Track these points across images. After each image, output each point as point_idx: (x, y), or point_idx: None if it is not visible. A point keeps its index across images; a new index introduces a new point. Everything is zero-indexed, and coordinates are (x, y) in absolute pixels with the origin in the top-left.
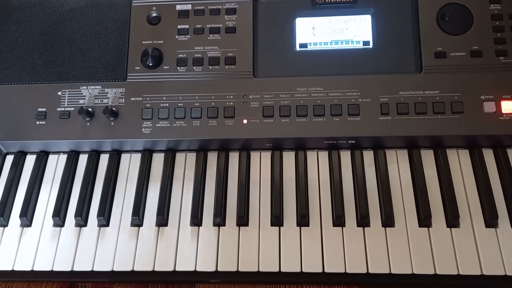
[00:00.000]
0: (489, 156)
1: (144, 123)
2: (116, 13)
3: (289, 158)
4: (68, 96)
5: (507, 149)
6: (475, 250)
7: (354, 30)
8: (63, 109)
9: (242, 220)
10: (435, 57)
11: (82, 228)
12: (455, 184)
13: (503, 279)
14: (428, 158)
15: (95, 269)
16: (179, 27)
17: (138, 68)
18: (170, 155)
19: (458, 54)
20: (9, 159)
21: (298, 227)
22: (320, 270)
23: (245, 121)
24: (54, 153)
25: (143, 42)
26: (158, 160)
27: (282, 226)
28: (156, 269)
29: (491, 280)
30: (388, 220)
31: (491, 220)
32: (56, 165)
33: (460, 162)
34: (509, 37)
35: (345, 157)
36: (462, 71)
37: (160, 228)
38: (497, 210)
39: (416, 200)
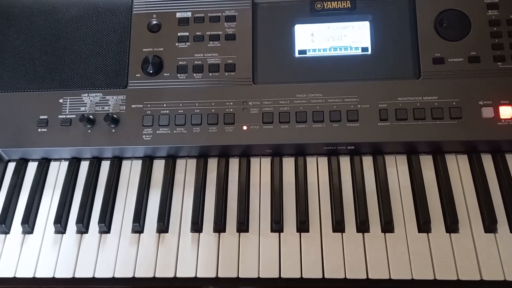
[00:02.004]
0: (488, 161)
1: (145, 130)
2: (117, 21)
3: (288, 164)
4: (69, 104)
5: (506, 154)
6: (474, 256)
7: (352, 37)
8: (64, 116)
9: (242, 226)
10: (433, 63)
11: (83, 235)
12: (454, 190)
13: (503, 284)
14: (427, 163)
15: (97, 275)
16: (179, 34)
17: (139, 75)
18: (171, 161)
19: (456, 60)
20: (11, 166)
21: (298, 233)
22: (320, 276)
23: (245, 128)
24: (55, 160)
25: (143, 50)
26: (158, 167)
27: (282, 232)
28: (157, 275)
29: (490, 286)
30: (387, 226)
31: (490, 225)
32: (57, 172)
33: (459, 167)
34: (506, 42)
35: (345, 163)
36: (460, 76)
37: (161, 234)
38: (496, 215)
39: (415, 206)
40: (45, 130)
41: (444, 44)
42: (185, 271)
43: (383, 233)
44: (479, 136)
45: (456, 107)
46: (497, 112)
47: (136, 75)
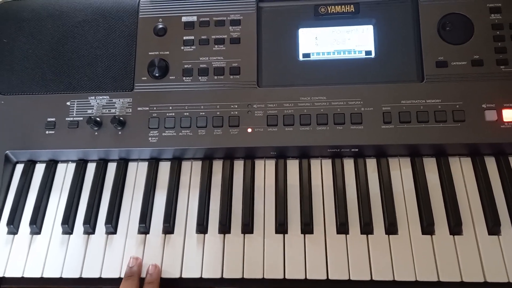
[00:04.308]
0: (491, 164)
1: (151, 132)
2: (124, 25)
3: (293, 166)
4: (76, 106)
5: (509, 157)
6: (478, 257)
7: (356, 40)
8: (71, 118)
9: (247, 227)
10: (436, 66)
11: (90, 235)
12: (457, 192)
13: (506, 286)
14: (430, 166)
15: (103, 276)
16: (184, 38)
17: (145, 78)
18: (176, 163)
19: (459, 63)
20: (19, 168)
21: (302, 235)
22: (324, 277)
23: (249, 130)
24: (63, 161)
25: (149, 53)
26: (164, 169)
27: (287, 233)
28: (163, 276)
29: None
30: (391, 228)
31: (493, 227)
32: (65, 173)
33: (462, 170)
34: (509, 46)
35: (348, 165)
36: (464, 80)
37: (167, 235)
38: (499, 217)
39: (419, 208)
40: (53, 132)
41: (447, 47)
42: (191, 272)
43: (387, 235)
44: (482, 139)
45: (459, 110)
46: (500, 115)
47: (142, 78)
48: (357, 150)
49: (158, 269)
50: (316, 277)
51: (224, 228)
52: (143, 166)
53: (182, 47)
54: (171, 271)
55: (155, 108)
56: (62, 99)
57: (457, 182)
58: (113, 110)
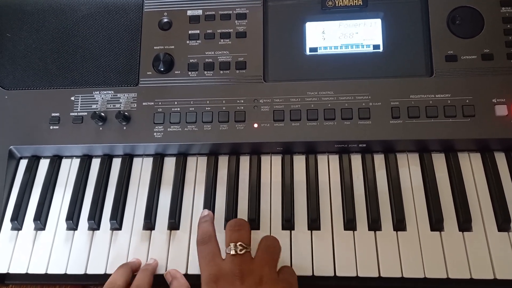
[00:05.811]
0: (501, 159)
1: (156, 127)
2: (128, 19)
3: (299, 162)
4: (81, 101)
5: None
6: (487, 254)
7: (364, 34)
8: (76, 114)
9: (253, 224)
10: (446, 61)
11: (95, 231)
12: (467, 188)
13: None
14: (439, 161)
15: (108, 272)
16: (190, 32)
17: (150, 73)
18: (182, 159)
19: (469, 57)
20: (23, 163)
21: (309, 231)
22: (332, 274)
23: (255, 125)
24: (67, 157)
25: (154, 48)
26: (169, 164)
27: (293, 230)
28: None
29: (503, 284)
30: (399, 224)
31: (503, 223)
32: (69, 169)
33: (471, 165)
34: None
35: (356, 161)
36: (473, 74)
37: (172, 231)
38: (509, 213)
39: (427, 204)
40: (57, 127)
41: (457, 41)
42: (196, 268)
43: (395, 232)
44: (492, 134)
45: (469, 105)
46: (510, 110)
47: (147, 73)
48: (364, 145)
49: (156, 262)
50: (323, 274)
51: None
52: (148, 162)
53: (188, 41)
54: (176, 267)
55: (160, 103)
56: (66, 94)
57: (466, 178)
58: (117, 105)
